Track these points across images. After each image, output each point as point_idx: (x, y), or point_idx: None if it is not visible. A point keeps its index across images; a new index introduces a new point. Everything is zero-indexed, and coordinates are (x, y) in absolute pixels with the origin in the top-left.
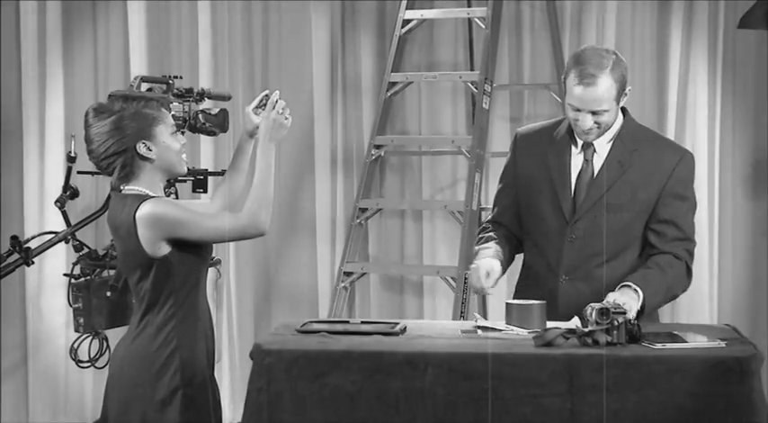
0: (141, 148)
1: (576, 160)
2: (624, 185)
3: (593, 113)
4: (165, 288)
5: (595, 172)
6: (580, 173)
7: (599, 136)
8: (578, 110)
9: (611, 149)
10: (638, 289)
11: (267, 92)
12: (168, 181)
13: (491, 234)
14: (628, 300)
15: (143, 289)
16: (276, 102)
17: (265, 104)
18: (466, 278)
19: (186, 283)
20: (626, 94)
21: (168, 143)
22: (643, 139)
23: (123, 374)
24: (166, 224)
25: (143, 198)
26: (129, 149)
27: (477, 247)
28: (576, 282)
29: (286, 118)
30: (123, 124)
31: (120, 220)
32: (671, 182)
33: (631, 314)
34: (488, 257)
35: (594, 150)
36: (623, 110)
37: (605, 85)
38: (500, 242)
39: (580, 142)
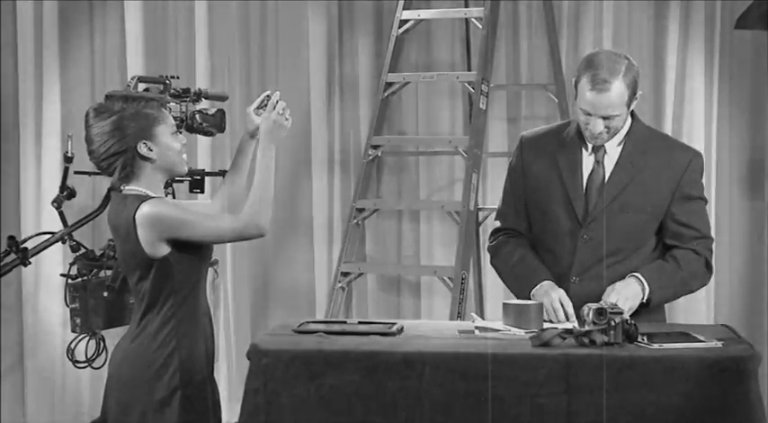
0: (142, 149)
1: (587, 162)
2: (636, 187)
3: (605, 118)
4: (165, 288)
5: (607, 174)
6: (591, 174)
7: (608, 140)
8: (589, 114)
9: (621, 151)
10: (643, 280)
11: (269, 92)
12: (167, 181)
13: (521, 249)
14: (629, 289)
15: (143, 289)
16: (277, 103)
17: (266, 105)
18: (463, 279)
19: (186, 283)
20: (636, 99)
21: (169, 143)
22: (652, 141)
23: (122, 374)
24: (166, 225)
25: (143, 198)
26: (129, 149)
27: (514, 262)
28: (587, 282)
29: (286, 119)
30: (124, 124)
31: (120, 220)
32: (683, 183)
33: (628, 305)
34: (550, 281)
35: (605, 152)
36: (631, 112)
37: (618, 90)
38: (535, 256)
39: (590, 144)
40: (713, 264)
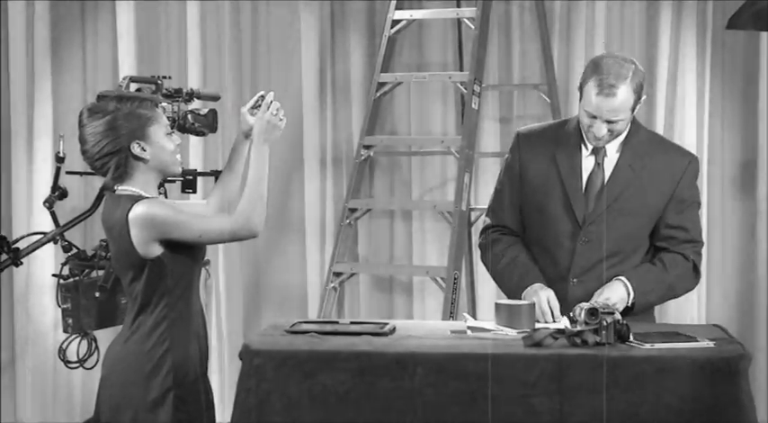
0: (135, 149)
1: (587, 163)
2: (635, 189)
3: (609, 122)
4: (158, 289)
5: (606, 175)
6: (591, 176)
7: (609, 142)
8: (594, 117)
9: (621, 154)
10: (627, 284)
11: (263, 93)
12: (160, 181)
13: (512, 248)
14: (613, 294)
15: (136, 290)
16: (270, 103)
17: (260, 105)
18: (455, 279)
19: (179, 284)
20: (641, 103)
21: (163, 143)
22: (651, 144)
23: (115, 375)
24: (159, 225)
25: (136, 199)
26: (123, 149)
27: (506, 262)
28: (586, 284)
29: (280, 119)
30: (118, 124)
31: (114, 220)
32: (680, 187)
33: (615, 306)
34: (541, 283)
35: (605, 154)
36: None
37: (624, 95)
38: (527, 256)
39: (590, 145)
40: (701, 268)
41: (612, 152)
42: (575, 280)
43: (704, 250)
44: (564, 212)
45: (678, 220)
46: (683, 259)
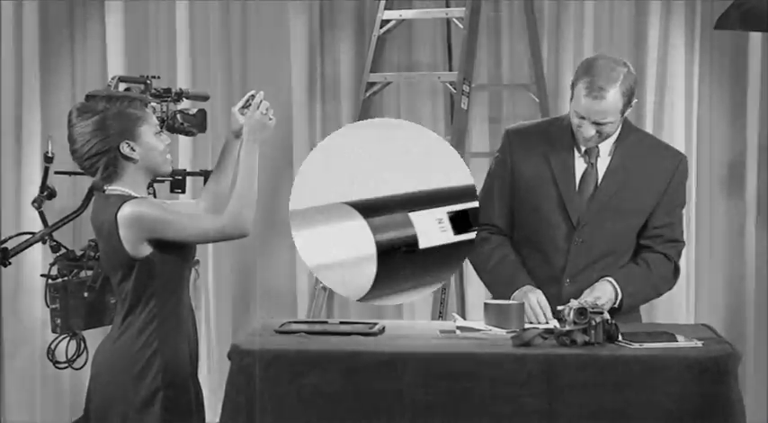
0: (125, 148)
1: (580, 164)
2: (629, 190)
3: (597, 124)
4: (147, 289)
5: (599, 176)
6: (584, 176)
7: (599, 143)
8: (582, 117)
9: (614, 154)
10: (615, 285)
11: (253, 92)
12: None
13: (501, 248)
14: (603, 294)
15: (125, 290)
16: (260, 102)
17: (251, 105)
18: None
19: (168, 284)
20: (631, 106)
21: (152, 143)
22: (642, 144)
23: (105, 375)
24: (148, 225)
25: (125, 198)
26: (112, 149)
27: (495, 262)
28: (580, 284)
29: (270, 119)
30: (107, 124)
31: (103, 220)
32: (671, 186)
33: (604, 307)
34: (530, 285)
35: (598, 154)
36: None
37: (613, 98)
38: (516, 257)
39: (583, 147)
40: (682, 268)
41: (605, 153)
42: (568, 280)
43: (693, 250)
44: (558, 213)
45: (665, 220)
46: (665, 260)
